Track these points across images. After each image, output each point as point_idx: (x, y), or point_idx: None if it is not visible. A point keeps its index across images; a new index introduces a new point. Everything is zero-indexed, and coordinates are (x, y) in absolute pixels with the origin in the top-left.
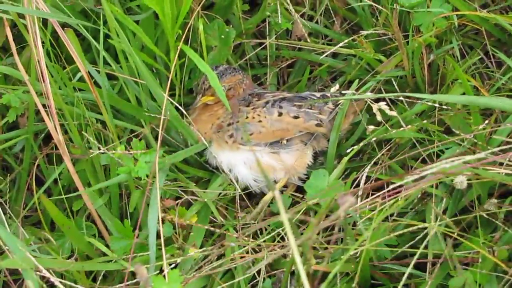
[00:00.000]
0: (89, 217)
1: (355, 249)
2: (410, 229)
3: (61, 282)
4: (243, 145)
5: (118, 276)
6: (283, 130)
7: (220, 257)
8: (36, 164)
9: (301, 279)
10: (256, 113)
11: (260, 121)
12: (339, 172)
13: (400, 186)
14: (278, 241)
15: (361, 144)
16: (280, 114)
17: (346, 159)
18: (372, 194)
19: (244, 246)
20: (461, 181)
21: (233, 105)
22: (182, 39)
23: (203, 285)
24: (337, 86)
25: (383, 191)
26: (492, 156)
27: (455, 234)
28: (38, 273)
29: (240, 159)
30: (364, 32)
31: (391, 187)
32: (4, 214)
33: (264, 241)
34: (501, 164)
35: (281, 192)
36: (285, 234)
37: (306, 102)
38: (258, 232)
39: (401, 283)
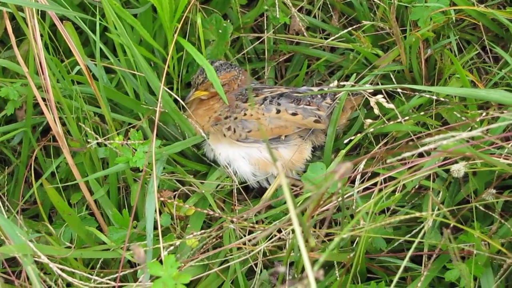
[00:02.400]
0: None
1: (352, 236)
2: (408, 216)
3: (59, 269)
4: (242, 141)
5: (115, 266)
6: (281, 127)
7: (217, 247)
8: (33, 156)
9: (302, 257)
10: (254, 110)
11: (258, 118)
12: (336, 166)
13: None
14: (275, 235)
15: (359, 136)
16: (278, 111)
17: (343, 152)
18: (370, 185)
19: (241, 237)
20: (458, 169)
21: (230, 99)
22: (178, 32)
23: (200, 273)
24: (335, 83)
25: (381, 176)
26: (487, 136)
27: (451, 225)
28: (36, 258)
29: (239, 154)
30: (362, 24)
31: (387, 174)
32: (2, 207)
33: (263, 223)
34: (500, 154)
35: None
36: (282, 227)
37: (305, 98)
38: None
39: (397, 276)
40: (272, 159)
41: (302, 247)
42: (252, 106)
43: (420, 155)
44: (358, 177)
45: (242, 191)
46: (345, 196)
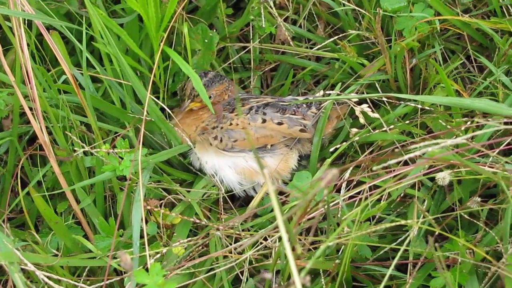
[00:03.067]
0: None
1: (337, 245)
2: (393, 224)
3: (45, 277)
4: (228, 151)
5: (102, 274)
6: (267, 136)
7: (203, 255)
8: (20, 165)
9: (288, 264)
10: (240, 120)
11: (244, 128)
12: (322, 174)
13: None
14: (261, 243)
15: (344, 144)
16: (264, 121)
17: (329, 160)
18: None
19: (227, 246)
20: (443, 177)
21: (217, 109)
22: (163, 41)
23: (186, 281)
24: (321, 92)
25: (367, 184)
26: (472, 143)
27: (436, 233)
28: (23, 266)
29: (225, 163)
30: (347, 33)
31: (373, 182)
32: None
33: (249, 231)
34: (485, 163)
35: (266, 194)
36: (268, 236)
37: (290, 107)
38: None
39: (382, 284)
40: (259, 167)
41: (289, 252)
42: (240, 115)
43: (405, 164)
44: (344, 185)
45: (228, 200)
46: (331, 204)
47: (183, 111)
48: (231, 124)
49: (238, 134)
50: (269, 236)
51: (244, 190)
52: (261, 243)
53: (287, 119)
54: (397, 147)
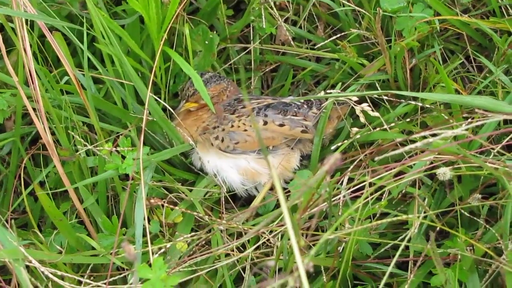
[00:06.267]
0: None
1: (339, 242)
2: (395, 219)
3: (50, 273)
4: (229, 152)
5: (105, 272)
6: (268, 138)
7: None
8: (22, 166)
9: (291, 257)
10: (241, 122)
11: (245, 130)
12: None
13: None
14: (263, 237)
15: (346, 142)
16: (265, 123)
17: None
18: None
19: (229, 244)
20: (444, 172)
21: (218, 109)
22: (163, 42)
23: (188, 276)
24: (321, 93)
25: (369, 179)
26: (473, 136)
27: (437, 229)
28: (27, 263)
29: (227, 164)
30: (347, 32)
31: (373, 179)
32: None
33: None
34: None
35: (268, 193)
36: (269, 233)
37: (291, 108)
38: (244, 233)
39: (383, 281)
40: (267, 163)
41: (292, 238)
42: (250, 114)
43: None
44: (345, 180)
45: (230, 199)
46: (333, 199)
47: (178, 112)
48: (232, 126)
49: (239, 136)
50: (271, 231)
51: (246, 190)
52: (263, 238)
53: (288, 120)
54: (397, 145)
